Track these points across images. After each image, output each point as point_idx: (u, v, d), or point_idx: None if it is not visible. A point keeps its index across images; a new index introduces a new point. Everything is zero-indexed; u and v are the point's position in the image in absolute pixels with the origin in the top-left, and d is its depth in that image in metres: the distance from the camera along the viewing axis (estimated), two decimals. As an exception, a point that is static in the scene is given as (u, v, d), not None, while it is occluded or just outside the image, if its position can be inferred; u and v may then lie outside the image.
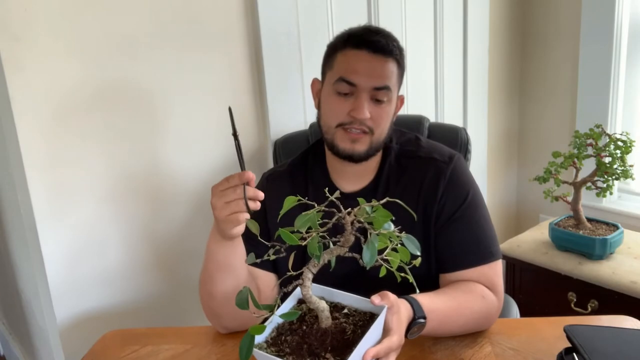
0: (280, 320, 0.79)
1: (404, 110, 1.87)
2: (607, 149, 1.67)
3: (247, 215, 0.88)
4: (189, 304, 1.52)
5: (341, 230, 0.75)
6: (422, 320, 0.88)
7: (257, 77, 1.57)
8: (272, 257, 0.75)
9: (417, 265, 0.75)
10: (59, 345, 1.35)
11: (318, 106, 1.12)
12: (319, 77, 1.14)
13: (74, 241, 1.33)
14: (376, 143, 1.06)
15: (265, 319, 0.76)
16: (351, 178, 1.13)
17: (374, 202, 0.72)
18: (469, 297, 1.00)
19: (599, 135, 1.70)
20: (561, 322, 0.94)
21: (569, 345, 0.86)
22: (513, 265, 1.94)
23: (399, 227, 0.73)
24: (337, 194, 0.75)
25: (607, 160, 1.67)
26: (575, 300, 1.77)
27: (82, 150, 1.31)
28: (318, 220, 0.72)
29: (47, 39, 1.22)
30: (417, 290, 0.78)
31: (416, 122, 1.44)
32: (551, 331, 1.00)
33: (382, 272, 0.73)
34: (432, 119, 1.60)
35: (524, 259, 1.89)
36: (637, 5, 2.00)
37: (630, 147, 1.65)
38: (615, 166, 1.66)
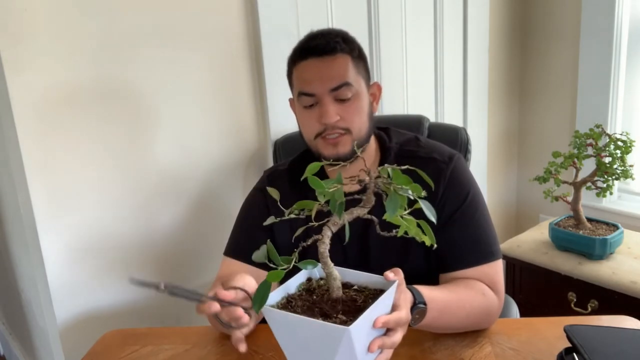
0: (292, 291, 0.79)
1: (404, 110, 1.88)
2: (607, 149, 1.67)
3: (245, 317, 0.83)
4: (189, 304, 1.52)
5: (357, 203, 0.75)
6: (422, 306, 0.87)
7: (257, 77, 1.57)
8: (292, 216, 0.76)
9: (433, 244, 0.74)
10: (59, 345, 1.34)
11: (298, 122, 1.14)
12: None
13: (74, 241, 1.33)
14: (359, 139, 1.07)
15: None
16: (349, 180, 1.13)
17: (395, 166, 0.72)
18: (470, 292, 1.01)
19: (599, 135, 1.70)
20: (561, 322, 0.93)
21: (569, 345, 0.86)
22: (513, 265, 1.94)
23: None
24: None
25: (607, 160, 1.67)
26: (575, 300, 1.77)
27: (82, 150, 1.31)
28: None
29: (47, 39, 1.22)
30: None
31: (416, 122, 1.44)
32: (551, 331, 1.00)
33: (401, 232, 0.72)
34: (432, 119, 1.59)
35: (524, 259, 1.89)
36: (637, 5, 2.00)
37: (630, 147, 1.65)
38: (615, 166, 1.66)
